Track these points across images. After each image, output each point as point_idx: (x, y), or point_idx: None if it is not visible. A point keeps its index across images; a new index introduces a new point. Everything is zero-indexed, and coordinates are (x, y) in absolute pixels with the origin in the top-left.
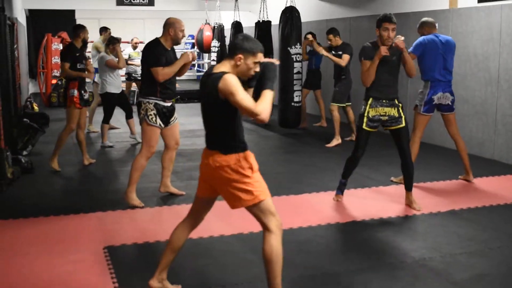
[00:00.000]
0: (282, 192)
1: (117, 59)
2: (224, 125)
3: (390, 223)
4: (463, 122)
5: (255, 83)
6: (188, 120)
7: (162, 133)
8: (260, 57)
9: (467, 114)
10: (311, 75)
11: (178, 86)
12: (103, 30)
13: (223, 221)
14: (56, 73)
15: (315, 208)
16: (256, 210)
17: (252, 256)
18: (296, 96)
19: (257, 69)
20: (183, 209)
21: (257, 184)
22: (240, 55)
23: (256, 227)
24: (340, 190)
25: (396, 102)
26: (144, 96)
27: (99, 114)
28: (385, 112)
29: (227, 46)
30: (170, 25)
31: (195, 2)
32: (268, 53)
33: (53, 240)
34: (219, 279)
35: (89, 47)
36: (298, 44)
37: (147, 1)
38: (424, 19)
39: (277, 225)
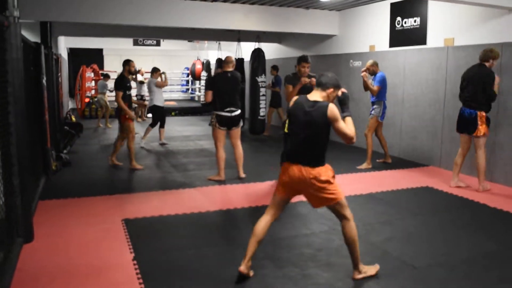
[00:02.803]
0: (251, 180)
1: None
2: (322, 143)
3: None
4: None
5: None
6: (184, 128)
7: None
8: (340, 90)
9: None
10: (275, 96)
11: (175, 104)
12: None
13: (209, 201)
14: (89, 94)
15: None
16: (337, 206)
17: (231, 227)
18: (262, 111)
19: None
20: (182, 193)
21: (338, 187)
22: (332, 89)
23: (233, 206)
24: None
25: None
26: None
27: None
28: None
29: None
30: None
31: (189, 44)
32: (242, 80)
33: (86, 214)
34: (209, 241)
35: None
36: (263, 75)
37: (155, 43)
38: (374, 60)
39: (351, 215)
